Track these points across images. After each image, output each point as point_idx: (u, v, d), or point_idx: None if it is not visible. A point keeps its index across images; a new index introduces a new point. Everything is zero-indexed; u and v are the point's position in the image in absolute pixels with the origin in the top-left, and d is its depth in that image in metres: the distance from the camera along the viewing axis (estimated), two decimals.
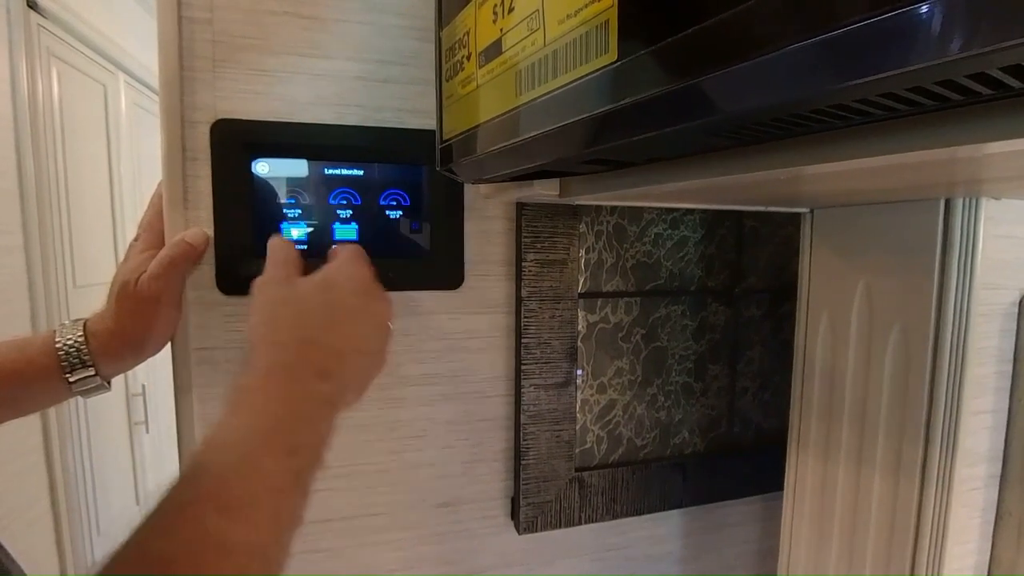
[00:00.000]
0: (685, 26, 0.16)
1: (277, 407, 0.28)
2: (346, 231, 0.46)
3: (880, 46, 0.12)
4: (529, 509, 0.53)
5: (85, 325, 0.41)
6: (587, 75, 0.21)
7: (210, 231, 0.43)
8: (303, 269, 0.37)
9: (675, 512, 0.60)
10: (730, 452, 0.62)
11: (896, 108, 0.16)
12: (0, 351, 0.40)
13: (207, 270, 0.43)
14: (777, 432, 0.63)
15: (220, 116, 0.42)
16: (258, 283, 0.35)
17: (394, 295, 0.48)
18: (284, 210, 0.45)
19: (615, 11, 0.19)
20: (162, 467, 2.07)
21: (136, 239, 0.43)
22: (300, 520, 0.27)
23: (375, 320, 0.37)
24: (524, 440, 0.52)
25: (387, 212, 0.47)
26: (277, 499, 0.26)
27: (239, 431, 0.27)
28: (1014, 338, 0.40)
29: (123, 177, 1.81)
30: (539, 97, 0.24)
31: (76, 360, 0.40)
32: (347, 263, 0.37)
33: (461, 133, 0.33)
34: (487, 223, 0.50)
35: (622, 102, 0.20)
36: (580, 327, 0.54)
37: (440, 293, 0.49)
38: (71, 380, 0.40)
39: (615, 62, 0.20)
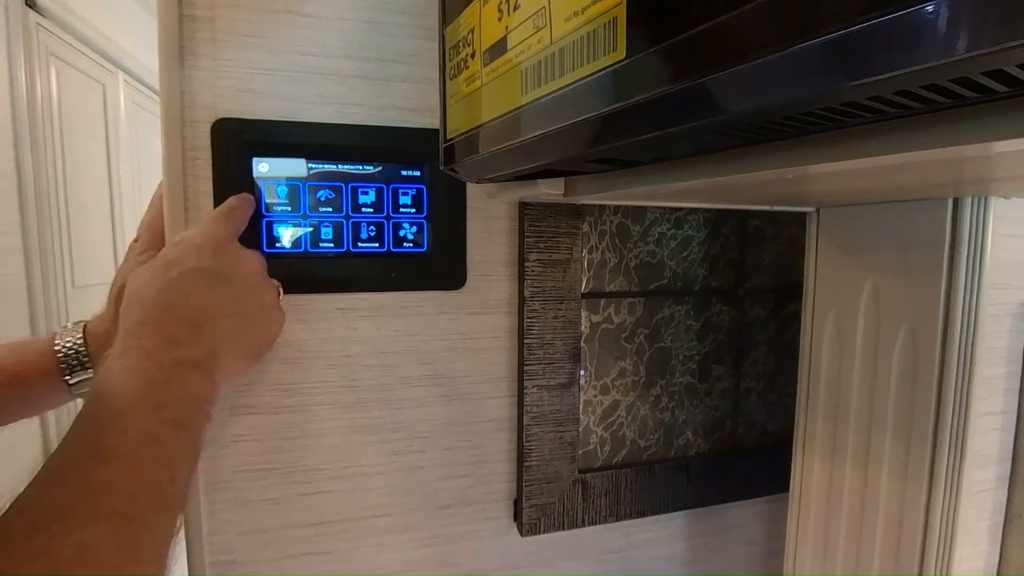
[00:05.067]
0: (697, 23, 0.16)
1: (134, 375, 0.31)
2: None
3: (896, 43, 0.12)
4: (532, 511, 0.52)
5: (85, 327, 0.41)
6: (594, 73, 0.21)
7: None
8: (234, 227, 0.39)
9: (679, 514, 0.60)
10: (735, 453, 0.61)
11: (910, 106, 0.16)
12: (0, 354, 0.40)
13: None
14: (782, 433, 0.62)
15: (221, 115, 0.42)
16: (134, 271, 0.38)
17: (395, 295, 0.48)
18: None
19: (624, 8, 0.19)
20: None
21: (136, 240, 0.43)
22: (193, 458, 0.32)
23: (243, 281, 0.38)
24: (527, 442, 0.51)
25: (388, 211, 0.46)
26: (155, 446, 0.30)
27: (108, 397, 0.31)
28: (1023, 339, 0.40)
29: (122, 177, 1.81)
30: (545, 95, 0.24)
31: (76, 362, 0.40)
32: (192, 235, 0.38)
33: (465, 132, 0.33)
34: (490, 223, 0.49)
35: (631, 100, 0.19)
36: (583, 327, 0.54)
37: (442, 293, 0.49)
38: (71, 382, 0.40)
39: (624, 60, 0.19)
